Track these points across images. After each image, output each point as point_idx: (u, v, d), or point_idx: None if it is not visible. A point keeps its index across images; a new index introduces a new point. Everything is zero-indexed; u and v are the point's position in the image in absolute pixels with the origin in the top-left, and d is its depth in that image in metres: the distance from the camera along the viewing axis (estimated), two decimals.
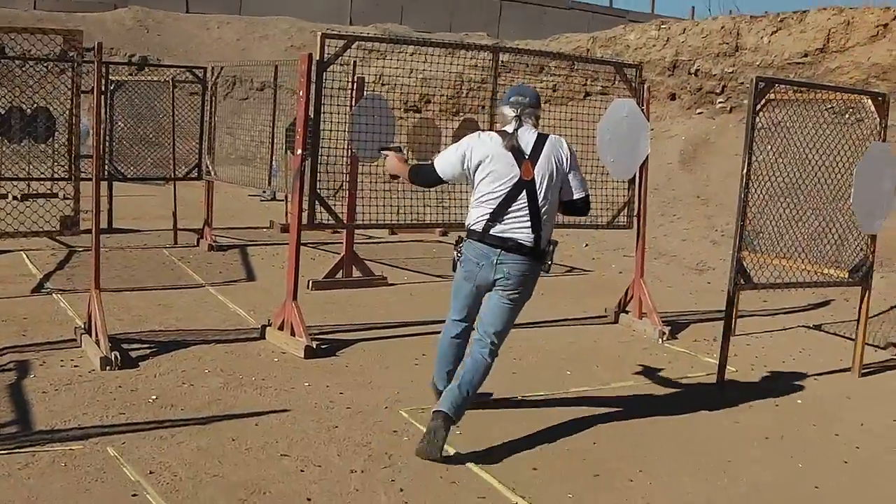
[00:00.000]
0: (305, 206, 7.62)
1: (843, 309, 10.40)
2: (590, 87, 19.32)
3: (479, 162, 5.66)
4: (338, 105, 8.45)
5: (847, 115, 14.93)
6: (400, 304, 9.58)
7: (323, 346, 7.56)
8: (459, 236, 5.92)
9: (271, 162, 12.99)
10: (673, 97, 18.52)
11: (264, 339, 7.76)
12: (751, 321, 9.54)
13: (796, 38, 16.71)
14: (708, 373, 7.64)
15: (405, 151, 7.25)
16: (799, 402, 7.15)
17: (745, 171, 6.98)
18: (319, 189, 7.67)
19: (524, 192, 5.62)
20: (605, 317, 9.53)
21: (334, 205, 8.30)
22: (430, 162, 6.11)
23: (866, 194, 7.63)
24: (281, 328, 7.60)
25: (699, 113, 17.95)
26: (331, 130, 8.27)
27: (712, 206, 15.05)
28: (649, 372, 7.67)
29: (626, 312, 9.40)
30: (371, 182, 9.72)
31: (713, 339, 8.72)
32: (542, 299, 10.16)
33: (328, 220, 7.89)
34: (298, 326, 7.40)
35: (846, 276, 7.99)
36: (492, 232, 5.62)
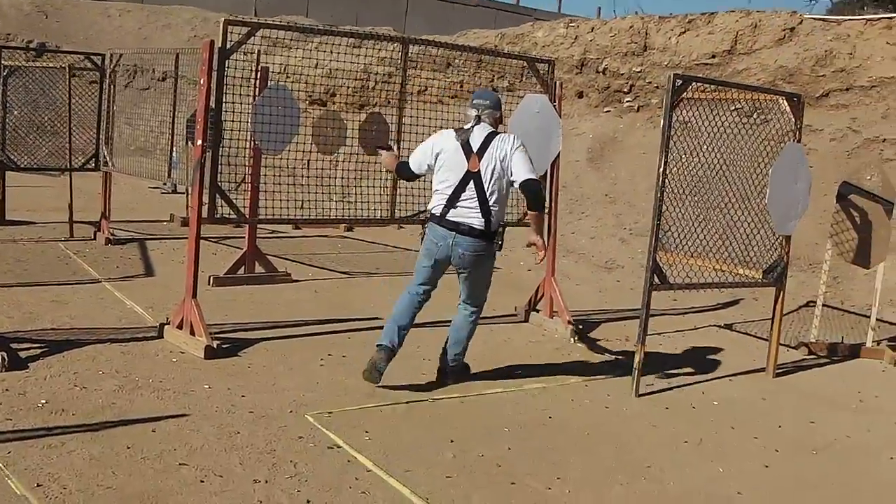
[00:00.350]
0: (206, 199, 7.27)
1: (753, 308, 10.42)
2: (497, 83, 19.23)
3: (437, 154, 6.61)
4: (241, 96, 8.12)
5: (754, 116, 15.04)
6: (304, 302, 9.26)
7: (224, 346, 7.22)
8: (426, 217, 6.83)
9: (171, 153, 12.56)
10: (581, 95, 18.43)
11: (162, 338, 7.37)
12: (662, 320, 9.44)
13: (704, 40, 16.74)
14: (622, 374, 7.51)
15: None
16: (715, 403, 7.05)
17: (661, 169, 6.83)
18: (220, 182, 7.33)
19: (472, 182, 6.50)
20: (515, 315, 9.36)
21: (236, 199, 7.99)
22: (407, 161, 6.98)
23: (781, 195, 7.56)
24: (180, 327, 7.24)
25: (606, 111, 17.90)
26: (233, 122, 7.94)
27: (620, 204, 14.98)
28: (562, 373, 7.51)
29: (537, 311, 9.24)
30: (274, 176, 9.43)
31: (625, 338, 8.64)
32: (450, 296, 9.99)
33: (230, 214, 7.54)
34: (198, 325, 7.06)
35: (760, 276, 7.93)
36: (448, 217, 6.53)
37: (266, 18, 27.33)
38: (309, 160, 12.52)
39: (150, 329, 7.66)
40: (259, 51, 9.95)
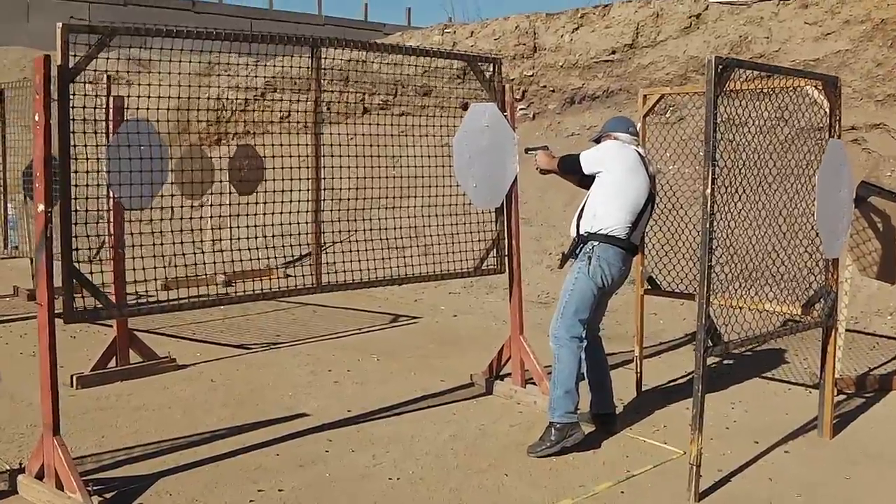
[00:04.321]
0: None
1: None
2: (368, 100, 17.47)
3: (624, 170, 5.95)
4: (84, 133, 5.80)
5: (668, 114, 13.45)
6: (201, 401, 6.99)
7: (108, 496, 4.96)
8: (580, 237, 5.99)
9: (5, 212, 10.27)
10: (467, 107, 16.61)
11: (16, 494, 5.02)
12: (653, 367, 7.57)
13: (601, 35, 15.10)
14: (657, 463, 5.63)
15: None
16: (798, 497, 5.17)
17: (707, 189, 4.89)
18: (77, 261, 5.10)
19: (650, 206, 6.12)
20: (472, 386, 7.37)
21: (99, 271, 5.80)
22: (576, 154, 6.23)
23: (827, 208, 5.78)
24: (40, 476, 4.98)
25: None
26: (84, 171, 5.74)
27: (536, 225, 13.18)
28: (577, 472, 5.52)
29: (501, 378, 7.26)
30: (139, 232, 7.26)
31: (636, 405, 6.80)
32: (381, 366, 8.00)
33: (96, 305, 5.29)
34: (67, 474, 4.77)
35: (798, 311, 6.14)
36: (631, 239, 5.99)
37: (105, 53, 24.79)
38: (172, 207, 10.37)
39: None
40: (109, 76, 7.74)
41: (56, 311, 4.90)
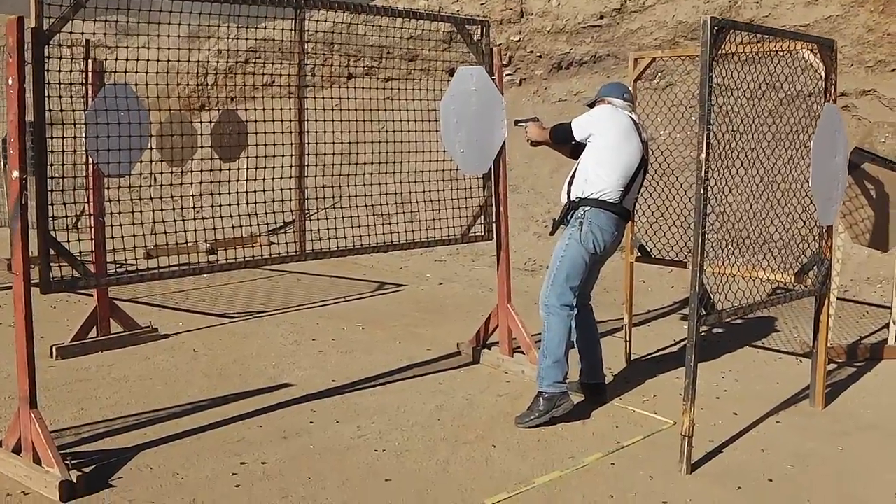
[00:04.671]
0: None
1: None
2: (352, 67, 17.27)
3: (617, 134, 5.81)
4: (60, 98, 5.61)
5: (657, 80, 13.30)
6: (184, 371, 6.86)
7: (87, 471, 4.83)
8: (571, 203, 5.87)
9: None
10: (453, 73, 16.42)
11: None
12: (641, 335, 7.47)
13: None
14: (647, 433, 5.54)
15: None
16: (791, 468, 5.09)
17: (702, 154, 4.77)
18: (54, 230, 4.96)
19: (643, 170, 5.97)
20: (459, 355, 7.27)
21: (77, 240, 5.68)
22: (567, 122, 6.07)
23: (822, 174, 5.68)
24: (17, 451, 4.86)
25: None
26: (61, 137, 5.61)
27: (523, 192, 13.03)
28: (565, 444, 5.42)
29: (489, 347, 7.16)
30: (120, 200, 7.12)
31: (625, 374, 6.70)
32: (366, 335, 7.89)
33: (73, 275, 5.14)
34: (45, 447, 4.66)
35: (791, 280, 6.05)
36: (623, 203, 5.85)
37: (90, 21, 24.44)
38: (153, 174, 10.22)
39: None
40: (87, 40, 7.56)
41: (33, 281, 4.78)
